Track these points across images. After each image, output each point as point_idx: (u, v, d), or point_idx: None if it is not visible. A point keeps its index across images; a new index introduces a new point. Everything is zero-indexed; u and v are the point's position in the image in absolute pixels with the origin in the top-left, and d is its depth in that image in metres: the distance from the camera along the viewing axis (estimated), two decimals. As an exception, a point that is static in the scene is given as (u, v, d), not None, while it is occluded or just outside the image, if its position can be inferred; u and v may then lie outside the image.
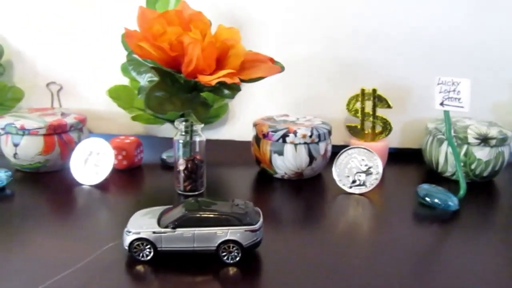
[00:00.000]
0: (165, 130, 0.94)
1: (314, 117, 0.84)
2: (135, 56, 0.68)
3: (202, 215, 0.52)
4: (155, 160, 0.87)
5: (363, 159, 0.74)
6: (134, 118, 0.86)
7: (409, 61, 0.89)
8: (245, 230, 0.52)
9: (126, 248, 0.53)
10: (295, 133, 0.75)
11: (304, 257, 0.56)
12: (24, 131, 0.75)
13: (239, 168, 0.86)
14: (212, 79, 0.55)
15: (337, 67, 0.90)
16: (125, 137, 0.83)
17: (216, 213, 0.53)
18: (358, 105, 0.86)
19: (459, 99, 0.70)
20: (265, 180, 0.80)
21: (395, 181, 0.82)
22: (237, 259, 0.53)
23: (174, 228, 0.52)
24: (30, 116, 0.79)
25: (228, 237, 0.52)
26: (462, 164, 0.76)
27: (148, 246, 0.52)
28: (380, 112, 0.85)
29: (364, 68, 0.90)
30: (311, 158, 0.76)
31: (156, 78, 0.66)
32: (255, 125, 0.79)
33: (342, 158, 0.75)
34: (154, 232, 0.52)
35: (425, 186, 0.71)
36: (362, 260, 0.56)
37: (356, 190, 0.73)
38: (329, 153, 0.80)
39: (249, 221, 0.53)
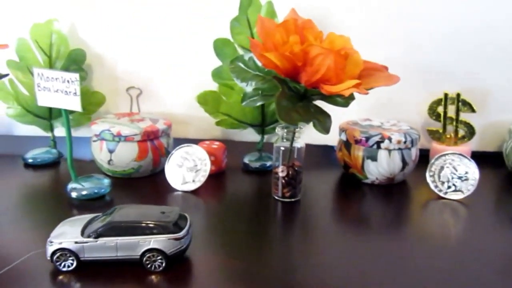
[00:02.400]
0: (242, 134, 0.94)
1: (398, 121, 0.85)
2: (240, 63, 0.69)
3: (125, 224, 0.52)
4: (235, 165, 0.88)
5: (458, 165, 0.74)
6: (218, 123, 0.86)
7: (488, 63, 0.89)
8: (169, 239, 0.52)
9: (49, 258, 0.53)
10: (389, 139, 0.75)
11: (392, 261, 0.57)
12: (120, 138, 0.76)
13: (322, 173, 0.86)
14: (342, 89, 0.55)
15: (415, 70, 0.90)
16: (210, 142, 0.83)
17: (140, 222, 0.53)
18: (440, 109, 0.87)
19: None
20: (354, 185, 0.80)
21: (482, 185, 0.82)
22: (161, 267, 0.52)
23: (96, 237, 0.52)
24: (121, 122, 0.80)
25: (151, 246, 0.52)
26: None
27: (71, 256, 0.52)
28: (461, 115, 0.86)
29: (441, 70, 0.90)
30: (404, 163, 0.77)
31: (260, 86, 0.67)
32: (344, 130, 0.80)
33: (437, 164, 0.75)
34: (76, 242, 0.52)
35: (528, 192, 0.71)
36: (457, 264, 0.57)
37: (452, 196, 0.74)
38: (417, 158, 0.80)
39: (173, 229, 0.53)
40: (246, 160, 0.87)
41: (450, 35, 0.88)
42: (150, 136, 0.77)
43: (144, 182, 0.79)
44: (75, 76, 0.66)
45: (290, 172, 0.71)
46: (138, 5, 0.88)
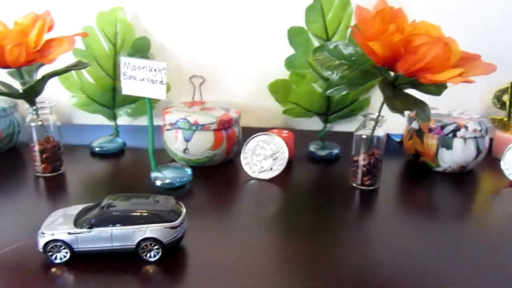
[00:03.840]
0: (301, 122, 0.94)
1: (465, 110, 0.85)
2: (325, 52, 0.68)
3: (120, 213, 0.51)
4: (299, 153, 0.88)
5: (534, 153, 0.75)
6: (285, 112, 0.86)
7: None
8: (165, 227, 0.51)
9: (41, 250, 0.51)
10: (465, 127, 0.76)
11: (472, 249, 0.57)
12: (197, 126, 0.76)
13: (387, 160, 0.87)
14: (448, 78, 0.55)
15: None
16: (278, 130, 0.83)
17: (135, 211, 0.51)
18: (505, 97, 0.87)
19: None
20: (426, 173, 0.81)
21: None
22: (158, 256, 0.51)
23: (90, 227, 0.50)
24: (193, 110, 0.79)
25: (147, 235, 0.51)
26: None
27: (64, 248, 0.50)
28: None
29: (503, 59, 0.90)
30: (478, 151, 0.77)
31: (346, 75, 0.67)
32: (416, 118, 0.80)
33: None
34: (69, 233, 0.50)
35: None
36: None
37: (528, 183, 0.75)
38: (488, 146, 0.81)
39: (169, 217, 0.52)
40: (311, 149, 0.87)
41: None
42: (225, 125, 0.77)
43: (218, 171, 0.79)
44: (163, 65, 0.66)
45: (372, 161, 0.71)
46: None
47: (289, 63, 0.82)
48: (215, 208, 0.67)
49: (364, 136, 0.71)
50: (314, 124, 0.93)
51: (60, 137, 0.76)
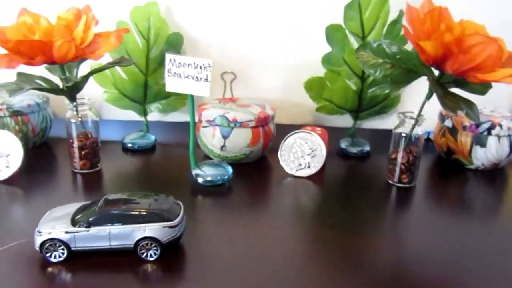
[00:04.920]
0: (331, 119, 0.94)
1: (495, 107, 0.86)
2: (368, 51, 0.69)
3: (118, 212, 0.51)
4: (330, 150, 0.88)
5: None
6: (318, 109, 0.87)
7: None
8: (163, 226, 0.51)
9: (37, 249, 0.50)
10: (500, 125, 0.77)
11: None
12: (235, 124, 0.76)
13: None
14: (501, 78, 0.56)
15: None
16: (311, 127, 0.84)
17: (133, 210, 0.51)
18: (535, 95, 0.88)
19: None
20: (458, 170, 0.82)
21: None
22: (157, 256, 0.51)
23: (88, 226, 0.50)
24: (229, 107, 0.80)
25: (145, 234, 0.50)
26: None
27: (61, 247, 0.50)
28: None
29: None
30: (511, 149, 0.78)
31: (389, 73, 0.67)
32: (449, 117, 0.81)
33: (546, 150, 0.77)
34: (66, 232, 0.50)
35: None
36: None
37: (562, 181, 0.76)
38: (520, 144, 0.82)
39: (168, 216, 0.52)
40: (343, 145, 0.87)
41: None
42: (262, 122, 0.77)
43: (253, 167, 0.80)
44: (208, 62, 0.66)
45: (410, 158, 0.72)
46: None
47: (326, 60, 0.82)
48: (256, 205, 0.68)
49: (403, 134, 0.72)
50: (342, 121, 0.93)
51: (98, 134, 0.76)
